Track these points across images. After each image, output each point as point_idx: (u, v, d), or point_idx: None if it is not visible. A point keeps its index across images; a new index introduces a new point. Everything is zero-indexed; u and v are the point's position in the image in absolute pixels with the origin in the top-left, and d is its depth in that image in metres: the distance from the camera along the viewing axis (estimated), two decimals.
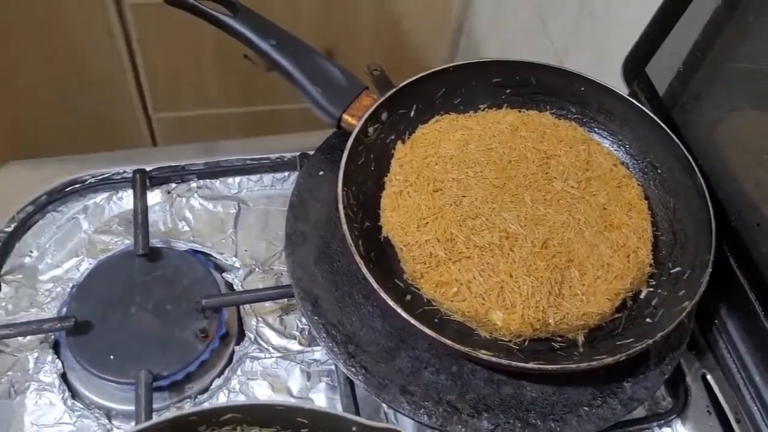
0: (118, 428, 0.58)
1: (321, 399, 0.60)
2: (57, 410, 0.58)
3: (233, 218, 0.70)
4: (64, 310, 0.62)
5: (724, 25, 0.62)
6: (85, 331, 0.60)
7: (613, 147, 0.65)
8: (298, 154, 0.72)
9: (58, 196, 0.69)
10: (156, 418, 0.50)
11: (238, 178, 0.73)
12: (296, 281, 0.58)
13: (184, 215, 0.70)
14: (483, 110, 0.66)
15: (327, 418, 0.45)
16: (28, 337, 0.60)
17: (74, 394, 0.59)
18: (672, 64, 0.67)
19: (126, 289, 0.62)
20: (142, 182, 0.68)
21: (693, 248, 0.58)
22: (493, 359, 0.51)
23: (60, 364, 0.60)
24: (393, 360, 0.55)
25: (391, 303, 0.51)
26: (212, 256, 0.67)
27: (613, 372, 0.55)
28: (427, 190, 0.59)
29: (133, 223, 0.66)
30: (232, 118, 1.37)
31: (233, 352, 0.62)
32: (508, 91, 0.66)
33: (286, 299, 0.64)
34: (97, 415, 0.58)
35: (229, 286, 0.66)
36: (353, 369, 0.54)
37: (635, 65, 0.70)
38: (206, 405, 0.58)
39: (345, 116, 0.62)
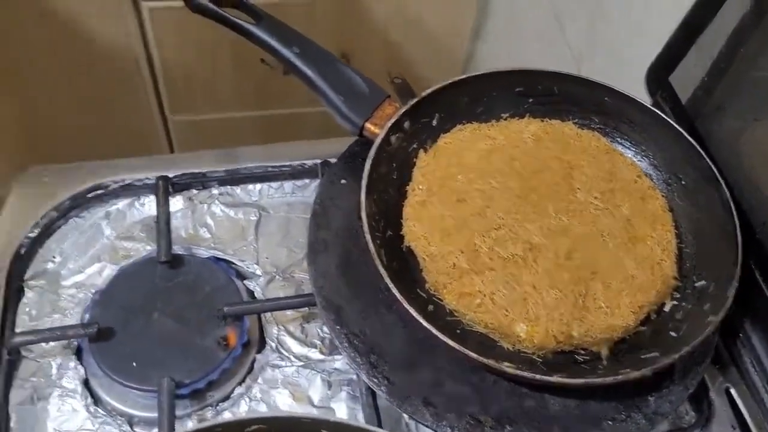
0: None
1: (342, 408, 0.60)
2: (79, 417, 0.58)
3: (254, 225, 0.70)
4: (87, 316, 0.62)
5: (751, 33, 0.61)
6: (107, 338, 0.60)
7: (636, 157, 0.65)
8: (319, 161, 0.72)
9: (81, 202, 0.69)
10: (180, 430, 0.50)
11: (258, 185, 0.73)
12: (318, 290, 0.58)
13: (206, 222, 0.70)
14: (505, 119, 0.66)
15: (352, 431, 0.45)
16: (51, 343, 0.61)
17: (96, 401, 0.59)
18: (696, 74, 0.66)
19: (148, 296, 0.62)
20: (165, 189, 0.68)
21: (718, 261, 0.58)
22: (518, 372, 0.50)
23: (82, 371, 0.60)
24: (415, 371, 0.55)
25: (414, 314, 0.51)
26: (233, 264, 0.67)
27: (637, 386, 0.54)
28: (450, 200, 0.59)
29: (155, 229, 0.66)
30: (248, 121, 1.38)
31: (254, 360, 0.62)
32: (530, 100, 0.66)
33: (307, 308, 0.64)
34: (119, 421, 0.58)
35: (251, 293, 0.66)
36: (376, 379, 0.54)
37: (659, 75, 0.69)
38: (229, 416, 0.58)
39: (368, 125, 0.62)
